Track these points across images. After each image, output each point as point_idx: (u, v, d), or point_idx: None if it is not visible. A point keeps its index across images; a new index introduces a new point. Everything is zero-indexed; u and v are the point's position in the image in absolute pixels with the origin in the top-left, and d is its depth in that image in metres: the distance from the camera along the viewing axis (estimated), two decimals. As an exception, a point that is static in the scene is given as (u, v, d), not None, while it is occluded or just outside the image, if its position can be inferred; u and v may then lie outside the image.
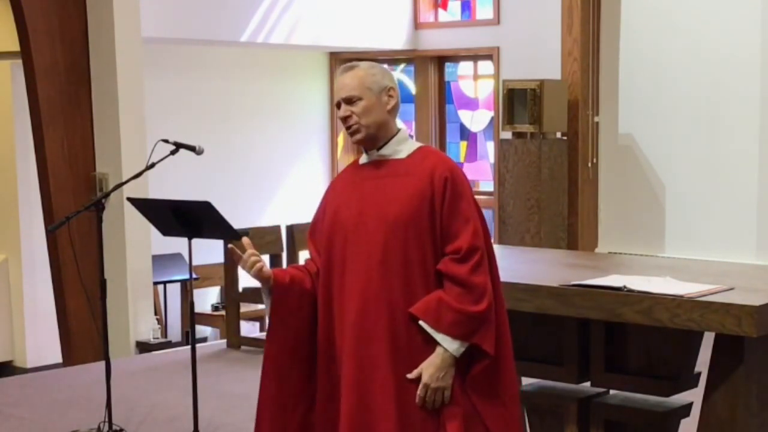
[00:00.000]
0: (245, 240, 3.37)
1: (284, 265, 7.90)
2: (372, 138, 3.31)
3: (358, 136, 3.30)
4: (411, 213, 3.22)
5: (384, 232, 3.23)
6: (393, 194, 3.26)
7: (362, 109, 3.27)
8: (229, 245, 3.43)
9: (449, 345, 3.17)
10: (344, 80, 3.30)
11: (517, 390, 3.35)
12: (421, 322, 3.20)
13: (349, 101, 3.28)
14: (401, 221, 3.22)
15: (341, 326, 3.29)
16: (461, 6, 10.23)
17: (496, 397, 3.25)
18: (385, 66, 3.35)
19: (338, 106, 3.32)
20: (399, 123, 3.45)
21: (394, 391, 3.20)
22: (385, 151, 3.33)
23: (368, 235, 3.25)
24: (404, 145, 3.34)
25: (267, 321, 3.42)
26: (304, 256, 7.86)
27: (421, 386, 3.19)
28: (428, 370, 3.18)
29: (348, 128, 3.31)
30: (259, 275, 3.28)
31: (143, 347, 8.02)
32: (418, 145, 3.37)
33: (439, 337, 3.18)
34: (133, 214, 6.34)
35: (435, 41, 10.23)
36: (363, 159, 3.40)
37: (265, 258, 7.81)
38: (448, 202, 3.21)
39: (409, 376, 3.20)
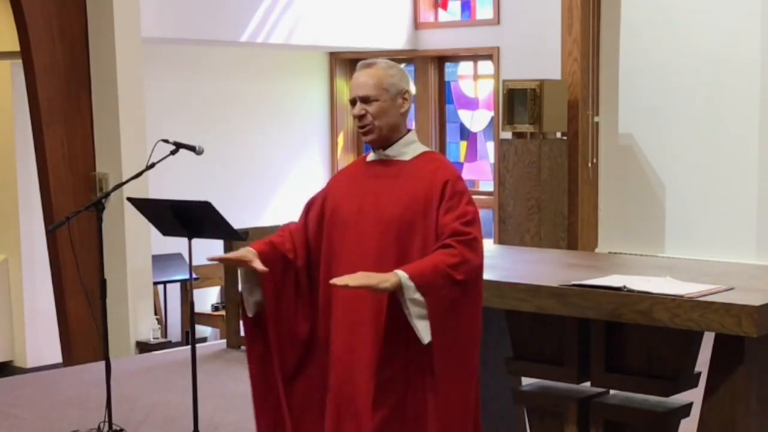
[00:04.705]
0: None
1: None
2: (384, 139, 3.34)
3: (371, 137, 3.33)
4: (407, 215, 3.24)
5: (379, 232, 3.25)
6: (392, 195, 3.28)
7: (377, 110, 3.29)
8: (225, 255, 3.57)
9: (402, 274, 3.09)
10: (362, 78, 3.32)
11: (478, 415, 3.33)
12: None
13: (365, 100, 3.30)
14: (396, 222, 3.24)
15: (333, 320, 3.32)
16: (461, 6, 10.23)
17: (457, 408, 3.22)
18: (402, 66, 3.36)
19: (353, 103, 3.33)
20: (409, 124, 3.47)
21: (375, 374, 3.21)
22: (391, 152, 3.36)
23: (363, 234, 3.28)
24: (410, 147, 3.37)
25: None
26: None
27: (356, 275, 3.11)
28: (372, 276, 3.10)
29: (361, 127, 3.33)
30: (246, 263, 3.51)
31: (143, 347, 8.02)
32: (424, 149, 3.40)
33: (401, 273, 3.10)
34: (133, 214, 6.34)
35: (435, 41, 10.23)
36: (370, 157, 3.43)
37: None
38: (447, 200, 3.22)
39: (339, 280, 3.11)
